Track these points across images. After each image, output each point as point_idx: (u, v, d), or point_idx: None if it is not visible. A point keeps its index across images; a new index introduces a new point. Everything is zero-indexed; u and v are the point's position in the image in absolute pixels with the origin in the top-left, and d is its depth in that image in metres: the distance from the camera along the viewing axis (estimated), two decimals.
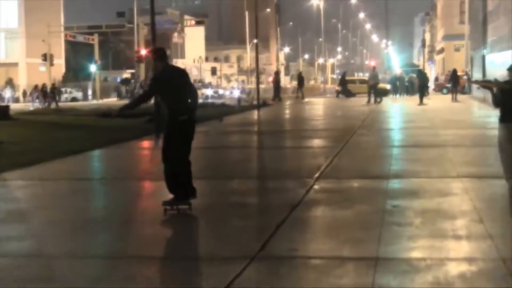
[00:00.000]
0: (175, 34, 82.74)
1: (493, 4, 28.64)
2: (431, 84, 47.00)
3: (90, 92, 61.53)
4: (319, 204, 7.72)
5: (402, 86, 43.39)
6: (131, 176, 10.71)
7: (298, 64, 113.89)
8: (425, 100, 30.58)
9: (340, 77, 49.92)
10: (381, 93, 36.64)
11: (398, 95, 41.96)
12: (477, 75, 34.25)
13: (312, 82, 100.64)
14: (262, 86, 42.93)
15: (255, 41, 33.48)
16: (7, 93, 53.30)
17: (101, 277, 5.21)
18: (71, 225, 7.03)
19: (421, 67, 57.35)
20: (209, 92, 57.12)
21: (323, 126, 19.84)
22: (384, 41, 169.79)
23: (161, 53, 7.42)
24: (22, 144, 14.94)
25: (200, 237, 6.66)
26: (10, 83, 58.09)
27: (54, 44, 56.28)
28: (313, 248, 5.88)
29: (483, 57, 31.70)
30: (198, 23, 69.49)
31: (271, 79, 47.35)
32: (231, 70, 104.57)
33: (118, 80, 69.92)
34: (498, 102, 7.37)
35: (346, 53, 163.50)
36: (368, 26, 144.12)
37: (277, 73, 42.38)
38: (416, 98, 32.42)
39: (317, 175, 9.61)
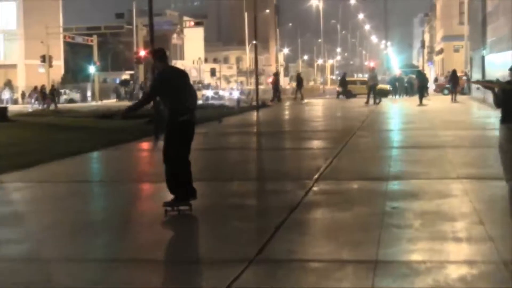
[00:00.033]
0: (174, 35, 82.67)
1: (493, 4, 28.62)
2: (431, 85, 46.99)
3: (89, 93, 61.49)
4: (318, 206, 7.68)
5: (401, 87, 43.37)
6: (130, 178, 10.67)
7: (298, 65, 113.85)
8: (424, 100, 30.56)
9: (340, 78, 49.86)
10: (381, 94, 36.73)
11: (397, 96, 41.95)
12: (476, 76, 34.22)
13: (311, 83, 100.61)
14: (261, 87, 42.91)
15: (254, 42, 33.44)
16: (6, 95, 53.28)
17: (99, 281, 5.17)
18: (69, 228, 6.99)
19: (420, 68, 57.33)
20: (209, 93, 57.09)
21: (322, 127, 19.79)
22: (383, 42, 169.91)
23: (161, 53, 7.43)
24: (20, 146, 14.87)
25: (198, 239, 6.62)
26: (8, 84, 58.04)
27: (53, 45, 56.19)
28: (312, 250, 5.83)
29: (483, 58, 31.67)
30: (197, 24, 69.45)
31: (270, 80, 47.30)
32: (230, 71, 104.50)
33: (117, 81, 69.87)
34: (499, 102, 7.32)
35: (346, 54, 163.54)
36: (367, 27, 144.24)
37: (276, 74, 42.32)
38: (415, 98, 32.40)
39: (316, 176, 9.57)
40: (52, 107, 41.20)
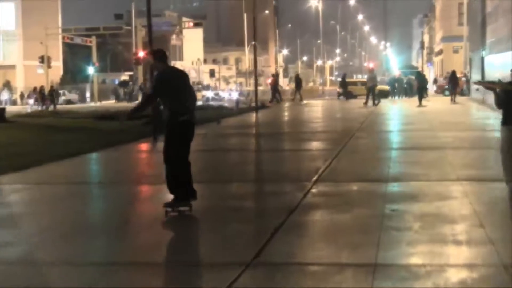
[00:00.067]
0: (173, 36, 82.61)
1: (492, 5, 28.58)
2: (430, 86, 46.99)
3: (88, 94, 61.43)
4: (317, 208, 7.62)
5: (400, 88, 43.33)
6: (128, 179, 10.61)
7: (297, 66, 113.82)
8: (424, 101, 30.53)
9: (340, 79, 49.83)
10: (382, 95, 36.73)
11: (396, 97, 41.92)
12: (475, 77, 34.17)
13: (310, 84, 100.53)
14: (260, 88, 42.87)
15: (253, 43, 33.39)
16: (4, 96, 53.21)
17: (98, 284, 5.12)
18: (68, 230, 6.93)
19: (420, 69, 57.30)
20: (209, 94, 57.04)
21: (321, 128, 19.74)
22: (383, 42, 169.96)
23: (161, 54, 7.44)
24: (18, 147, 14.81)
25: (197, 241, 6.55)
26: (7, 85, 57.97)
27: (51, 46, 56.11)
28: (311, 253, 5.77)
29: (482, 59, 31.63)
30: (196, 25, 69.47)
31: (269, 81, 47.26)
32: (229, 72, 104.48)
33: (116, 82, 69.81)
34: (500, 103, 7.27)
35: (345, 55, 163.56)
36: (366, 28, 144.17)
37: (275, 75, 42.27)
38: (414, 99, 32.35)
39: (315, 178, 9.51)
40: (51, 108, 41.15)
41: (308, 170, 10.48)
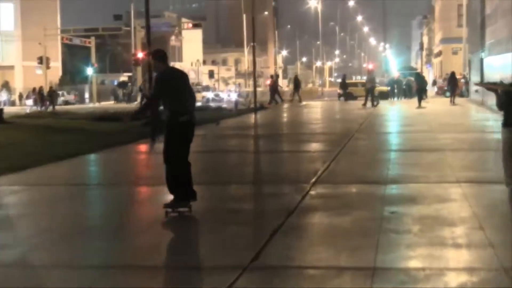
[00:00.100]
0: (173, 37, 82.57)
1: (491, 7, 28.54)
2: (430, 88, 46.97)
3: (87, 95, 61.36)
4: (316, 210, 7.56)
5: (400, 89, 43.29)
6: (127, 180, 10.54)
7: (296, 67, 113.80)
8: (423, 103, 30.50)
9: (340, 80, 49.79)
10: (381, 96, 36.68)
11: (396, 98, 41.88)
12: (475, 78, 34.13)
13: (310, 85, 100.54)
14: (259, 89, 42.82)
15: (252, 44, 33.33)
16: (3, 96, 53.16)
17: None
18: (66, 232, 6.86)
19: (419, 70, 57.29)
20: (210, 95, 56.98)
21: (320, 130, 19.69)
22: (382, 44, 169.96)
23: (161, 54, 7.44)
24: (15, 148, 14.76)
25: (193, 244, 6.49)
26: (6, 86, 57.91)
27: (50, 47, 56.05)
28: (309, 256, 5.71)
29: (481, 60, 31.58)
30: (196, 26, 69.39)
31: (268, 82, 47.22)
32: (228, 73, 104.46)
33: (115, 83, 69.76)
34: (502, 105, 7.22)
35: (344, 56, 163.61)
36: (365, 29, 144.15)
37: (274, 77, 42.21)
38: (414, 101, 32.33)
39: (313, 180, 9.46)
40: (50, 108, 41.10)
41: (306, 171, 10.43)
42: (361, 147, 14.40)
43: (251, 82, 64.00)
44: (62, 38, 60.73)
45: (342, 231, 6.53)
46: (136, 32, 55.93)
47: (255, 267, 5.33)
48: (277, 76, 50.36)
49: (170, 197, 7.43)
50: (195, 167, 7.61)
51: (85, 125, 22.89)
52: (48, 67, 52.76)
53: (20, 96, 56.18)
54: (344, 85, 42.31)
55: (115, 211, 8.07)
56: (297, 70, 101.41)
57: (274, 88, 39.34)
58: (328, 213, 7.35)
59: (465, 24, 45.46)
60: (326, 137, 16.96)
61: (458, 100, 33.91)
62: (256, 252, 5.67)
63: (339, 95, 42.65)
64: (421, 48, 77.78)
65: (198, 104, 25.24)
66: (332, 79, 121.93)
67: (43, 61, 51.62)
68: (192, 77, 76.52)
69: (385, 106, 32.39)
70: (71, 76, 68.14)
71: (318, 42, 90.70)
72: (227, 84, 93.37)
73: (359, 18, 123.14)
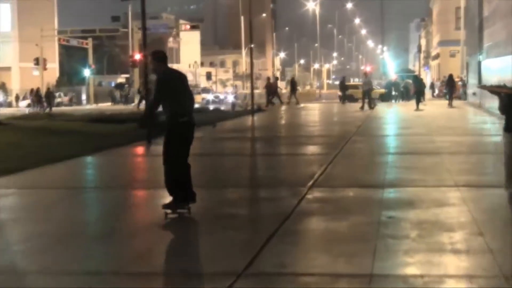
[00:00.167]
0: (170, 39, 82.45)
1: (489, 9, 28.47)
2: (428, 90, 46.92)
3: (84, 96, 61.19)
4: (312, 215, 7.43)
5: (397, 92, 43.22)
6: (122, 183, 10.40)
7: (294, 69, 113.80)
8: (421, 106, 30.43)
9: (339, 82, 49.70)
10: (383, 97, 36.57)
11: (393, 101, 41.81)
12: (472, 81, 34.08)
13: (307, 88, 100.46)
14: (257, 91, 42.71)
15: (250, 46, 33.23)
16: None
17: None
18: (59, 237, 6.69)
19: (417, 73, 57.26)
20: (209, 97, 56.85)
21: (317, 132, 19.58)
22: (380, 46, 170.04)
23: (160, 55, 7.42)
24: (9, 150, 14.60)
25: (187, 250, 6.34)
26: (2, 87, 57.72)
27: (47, 48, 55.89)
28: (304, 263, 5.58)
29: (479, 63, 31.51)
30: (193, 27, 69.26)
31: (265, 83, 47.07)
32: (226, 75, 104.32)
33: (113, 84, 69.61)
34: (504, 107, 7.09)
35: (342, 58, 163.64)
36: (363, 31, 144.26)
37: (270, 79, 42.13)
38: (411, 103, 32.27)
39: (310, 183, 9.33)
40: (47, 110, 40.97)
41: (303, 175, 10.30)
42: (359, 150, 14.29)
43: (249, 84, 63.93)
44: (59, 39, 60.51)
45: (339, 237, 6.40)
46: (133, 33, 55.80)
47: (249, 274, 5.20)
48: (277, 78, 50.29)
49: (169, 198, 7.35)
50: (192, 171, 7.48)
51: (82, 127, 22.73)
52: (45, 68, 52.61)
53: (17, 98, 55.98)
54: (343, 87, 42.17)
55: (111, 215, 7.93)
56: (295, 72, 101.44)
57: (273, 90, 39.28)
58: (325, 218, 7.22)
59: (463, 27, 45.41)
60: (323, 139, 16.84)
61: (455, 102, 33.85)
62: (250, 259, 5.53)
63: (340, 97, 42.39)
64: (419, 50, 77.87)
65: (197, 106, 25.17)
66: (330, 81, 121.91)
67: (39, 62, 51.44)
68: (190, 79, 76.28)
69: (382, 108, 32.30)
70: (68, 77, 68.00)
71: (316, 44, 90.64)
72: (225, 86, 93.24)
73: (357, 20, 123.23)
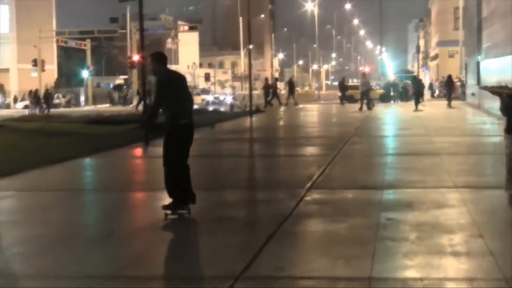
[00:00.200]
0: (169, 40, 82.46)
1: (488, 10, 28.44)
2: (426, 91, 46.87)
3: (82, 98, 61.11)
4: (310, 217, 7.38)
5: (396, 92, 43.18)
6: (119, 185, 10.34)
7: (293, 70, 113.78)
8: (420, 106, 30.40)
9: (338, 82, 49.60)
10: (383, 98, 36.49)
11: (392, 102, 41.77)
12: (471, 82, 34.05)
13: (306, 88, 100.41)
14: (255, 92, 42.67)
15: (249, 47, 33.19)
16: None
17: None
18: (57, 240, 6.63)
19: (415, 73, 57.22)
20: (210, 98, 56.79)
21: (315, 133, 19.53)
22: (379, 47, 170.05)
23: (160, 56, 7.41)
24: (7, 151, 14.53)
25: (184, 253, 6.29)
26: (1, 89, 57.63)
27: (46, 49, 55.80)
28: (302, 266, 5.52)
29: (478, 63, 31.48)
30: (192, 28, 69.16)
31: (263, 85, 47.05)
32: (225, 76, 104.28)
33: (111, 86, 69.52)
34: (505, 108, 7.04)
35: (341, 59, 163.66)
36: (362, 32, 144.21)
37: (268, 80, 42.09)
38: (410, 104, 32.24)
39: (309, 185, 9.27)
40: (45, 111, 40.92)
41: (302, 176, 10.25)
42: (357, 151, 14.24)
43: (247, 85, 63.89)
44: (57, 41, 60.45)
45: (337, 239, 6.34)
46: (132, 34, 55.75)
47: (247, 277, 5.14)
48: (276, 79, 50.30)
49: (168, 200, 7.33)
50: (191, 172, 7.44)
51: (80, 128, 22.68)
52: (43, 70, 52.54)
53: (15, 99, 55.90)
54: (342, 87, 42.08)
55: (109, 217, 7.89)
56: (293, 73, 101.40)
57: (273, 91, 39.25)
58: (323, 220, 7.17)
59: (461, 27, 45.41)
60: (321, 140, 16.79)
61: (454, 103, 33.82)
62: (248, 262, 5.48)
63: (340, 98, 42.22)
64: (418, 51, 77.85)
65: (197, 107, 25.09)
66: (329, 82, 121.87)
67: (37, 63, 51.36)
68: (188, 80, 76.27)
69: (381, 109, 32.26)
70: (67, 78, 67.93)
71: (315, 45, 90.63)
72: (223, 87, 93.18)
73: (356, 21, 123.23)
